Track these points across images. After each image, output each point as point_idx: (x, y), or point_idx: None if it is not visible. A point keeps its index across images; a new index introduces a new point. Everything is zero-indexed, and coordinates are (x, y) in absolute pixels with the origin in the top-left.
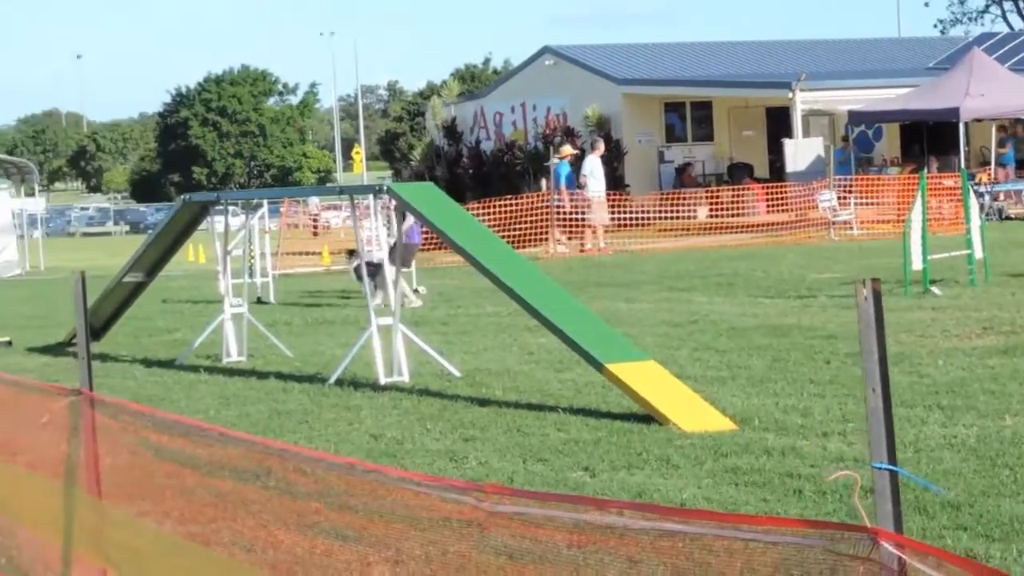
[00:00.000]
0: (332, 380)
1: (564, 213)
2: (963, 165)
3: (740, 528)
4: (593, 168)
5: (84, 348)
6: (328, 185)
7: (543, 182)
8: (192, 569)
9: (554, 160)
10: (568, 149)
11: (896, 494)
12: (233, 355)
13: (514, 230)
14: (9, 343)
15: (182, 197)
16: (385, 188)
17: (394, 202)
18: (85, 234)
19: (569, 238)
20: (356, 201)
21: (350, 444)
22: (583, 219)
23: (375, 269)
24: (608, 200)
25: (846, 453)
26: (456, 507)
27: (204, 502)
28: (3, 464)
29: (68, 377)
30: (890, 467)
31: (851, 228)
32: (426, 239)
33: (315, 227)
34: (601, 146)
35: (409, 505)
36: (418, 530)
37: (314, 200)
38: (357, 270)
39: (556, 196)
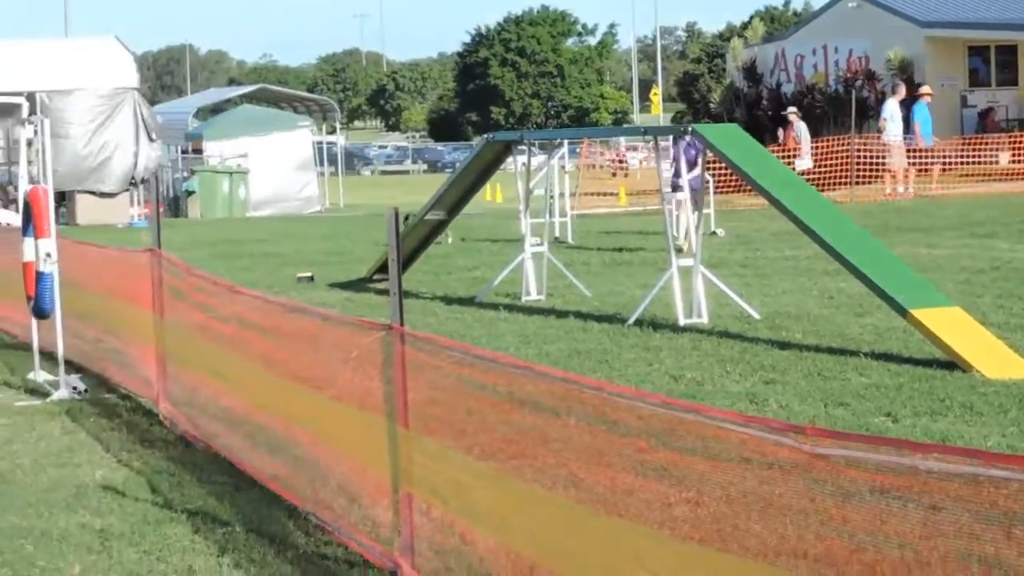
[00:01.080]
0: (631, 321)
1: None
2: None
3: None
4: (893, 112)
5: (396, 283)
6: (630, 126)
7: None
8: (509, 498)
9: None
10: (925, 89)
11: None
12: (532, 294)
13: (814, 173)
14: (311, 278)
15: (485, 136)
16: (690, 129)
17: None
18: (383, 172)
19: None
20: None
21: (650, 385)
22: (883, 164)
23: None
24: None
25: None
26: (774, 448)
27: (508, 438)
28: (324, 398)
29: (370, 312)
30: None
31: None
32: (724, 181)
33: (623, 167)
34: (903, 90)
35: (725, 443)
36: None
37: (620, 140)
38: None
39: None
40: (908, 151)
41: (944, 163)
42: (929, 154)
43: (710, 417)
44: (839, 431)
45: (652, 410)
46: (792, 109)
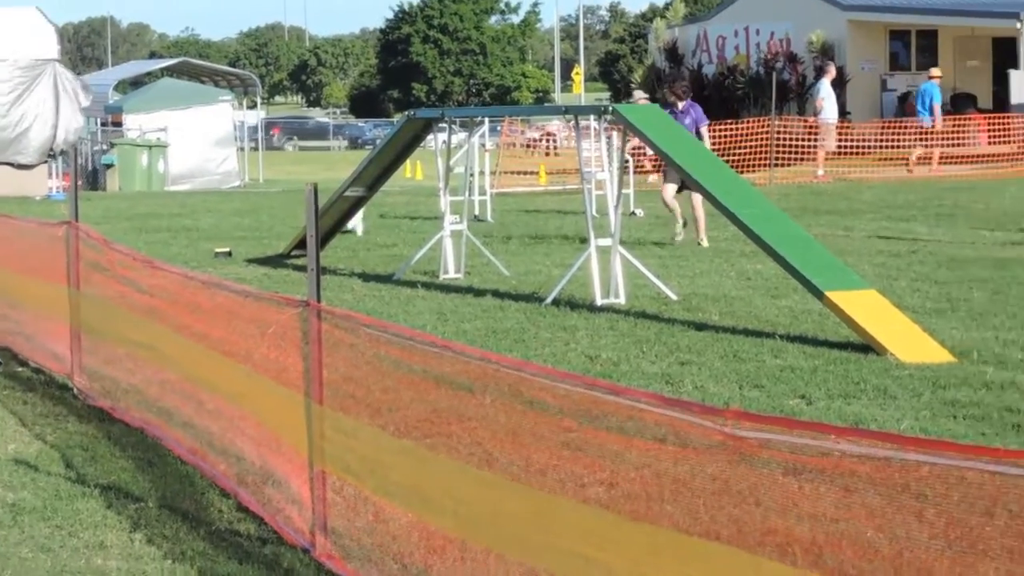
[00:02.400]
0: (549, 300)
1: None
2: None
3: (981, 459)
4: (829, 92)
5: (313, 260)
6: (551, 104)
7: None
8: (426, 475)
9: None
10: (936, 71)
11: None
12: (451, 272)
13: (734, 155)
14: (229, 253)
15: (406, 113)
16: (610, 109)
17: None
18: (303, 148)
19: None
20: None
21: (567, 364)
22: (814, 145)
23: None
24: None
25: None
26: (696, 428)
27: (423, 416)
28: (242, 375)
29: (288, 288)
30: None
31: None
32: (642, 161)
33: (552, 141)
34: (833, 70)
35: (637, 425)
36: (654, 450)
37: (555, 122)
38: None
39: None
40: (925, 132)
41: (943, 146)
42: (940, 136)
43: (632, 398)
44: (758, 413)
45: (572, 390)
46: (641, 94)
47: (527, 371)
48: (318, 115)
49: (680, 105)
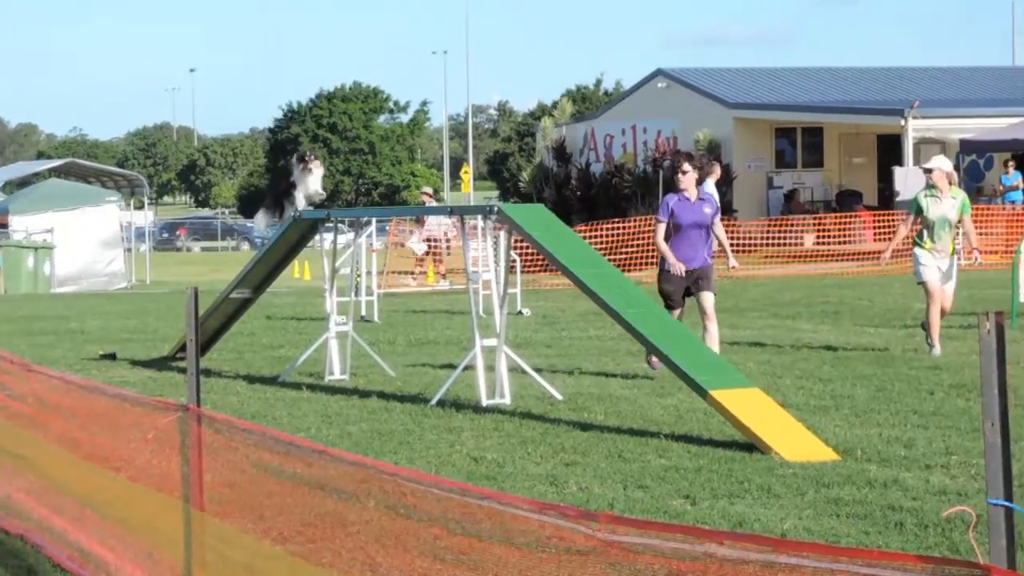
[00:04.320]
0: (434, 401)
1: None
2: None
3: (855, 562)
4: (712, 193)
5: (193, 364)
6: (437, 205)
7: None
8: None
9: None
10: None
11: (1011, 531)
12: (336, 373)
13: (621, 253)
14: (114, 356)
15: (292, 214)
16: (495, 209)
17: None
18: (206, 249)
19: None
20: (465, 221)
21: (451, 466)
22: None
23: None
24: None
25: (949, 487)
26: (567, 534)
27: (306, 521)
28: (110, 475)
29: (171, 392)
30: (1006, 503)
31: (959, 259)
32: (531, 261)
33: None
34: (717, 170)
35: (513, 530)
36: (524, 555)
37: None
38: None
39: None
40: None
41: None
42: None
43: (506, 504)
44: (632, 518)
45: (448, 496)
46: (426, 189)
47: (402, 476)
48: (206, 215)
49: (696, 192)
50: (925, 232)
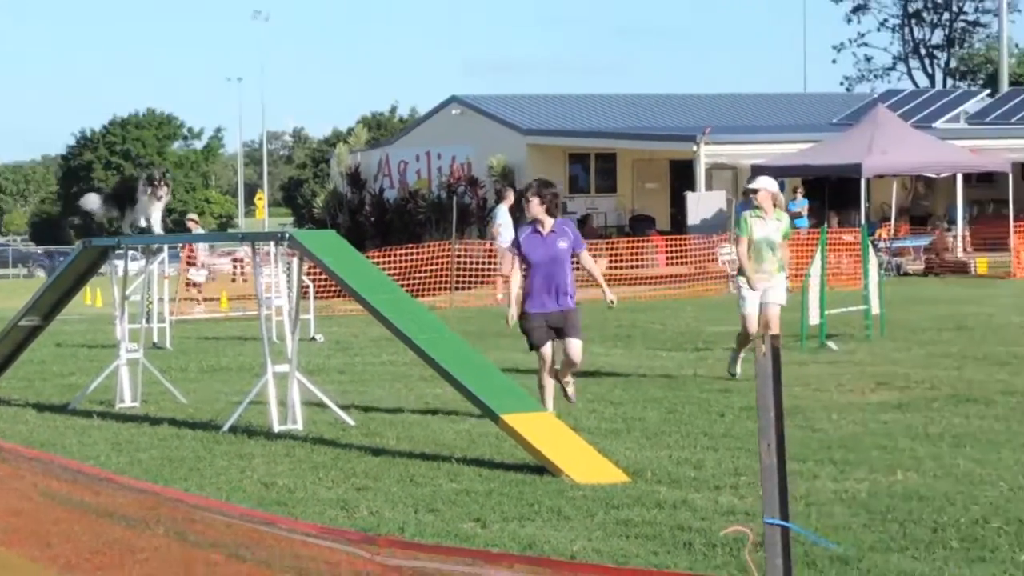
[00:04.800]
0: (226, 427)
1: None
2: (863, 221)
3: None
4: (506, 219)
5: None
6: (229, 231)
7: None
8: None
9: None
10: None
11: (787, 549)
12: (127, 401)
13: (415, 279)
14: None
15: (82, 241)
16: (287, 235)
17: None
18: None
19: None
20: (257, 248)
21: (241, 492)
22: (494, 269)
23: None
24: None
25: (737, 507)
26: (347, 558)
27: (94, 549)
28: None
29: None
30: (781, 523)
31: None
32: (325, 286)
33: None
34: (511, 196)
35: (299, 555)
36: None
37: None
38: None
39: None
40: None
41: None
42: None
43: (288, 529)
44: (414, 542)
45: (232, 521)
46: (191, 215)
47: (187, 503)
48: None
49: (549, 224)
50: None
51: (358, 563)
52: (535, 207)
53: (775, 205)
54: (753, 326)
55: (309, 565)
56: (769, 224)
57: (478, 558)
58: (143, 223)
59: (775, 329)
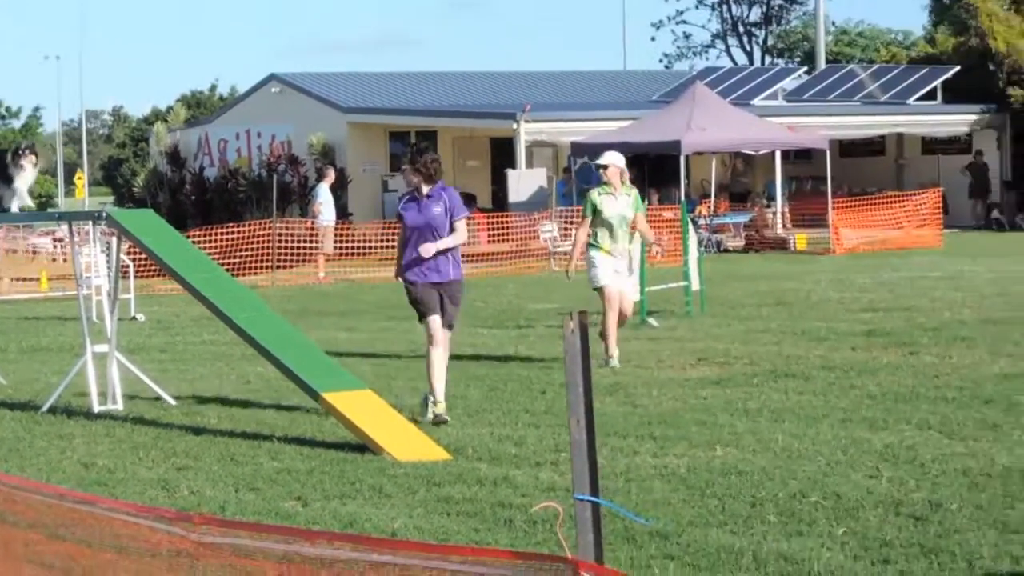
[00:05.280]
0: (45, 408)
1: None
2: (683, 198)
3: (448, 559)
4: (327, 197)
5: None
6: (48, 211)
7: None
8: None
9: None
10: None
11: (597, 525)
12: None
13: (235, 258)
14: None
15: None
16: (104, 215)
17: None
18: None
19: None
20: (75, 227)
21: (61, 473)
22: (315, 248)
23: None
24: (335, 229)
25: (558, 483)
26: (166, 537)
27: None
28: None
29: None
30: (592, 499)
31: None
32: (145, 266)
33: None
34: (331, 174)
35: (119, 535)
36: (129, 560)
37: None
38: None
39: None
40: None
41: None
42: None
43: (107, 508)
44: (229, 519)
45: (51, 502)
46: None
47: (6, 483)
48: None
49: (426, 189)
50: (601, 233)
51: (176, 541)
52: (409, 174)
53: (622, 181)
54: (615, 294)
55: (129, 544)
56: (620, 200)
57: (296, 536)
58: (28, 200)
59: (629, 313)
